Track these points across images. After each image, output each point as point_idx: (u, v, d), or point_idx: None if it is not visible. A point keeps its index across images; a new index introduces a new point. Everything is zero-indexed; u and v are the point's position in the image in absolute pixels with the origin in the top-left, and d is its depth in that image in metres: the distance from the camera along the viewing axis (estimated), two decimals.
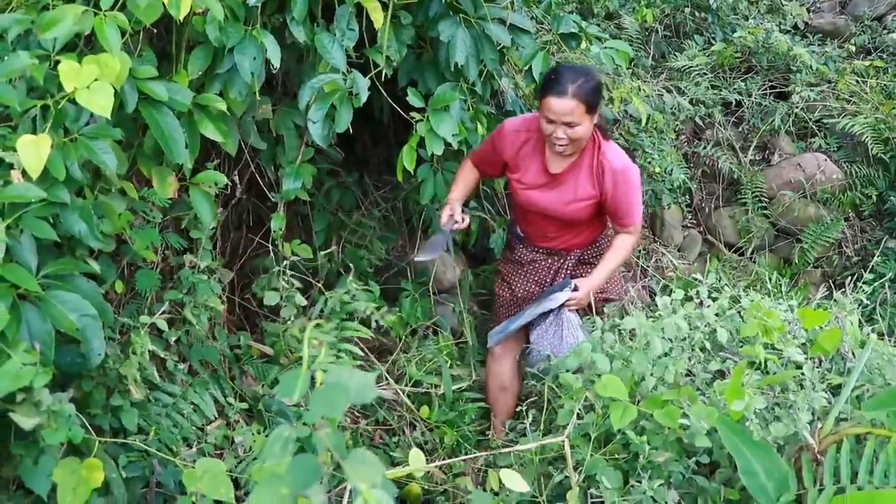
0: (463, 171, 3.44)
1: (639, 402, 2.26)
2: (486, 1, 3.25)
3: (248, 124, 3.04)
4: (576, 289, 3.22)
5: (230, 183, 3.00)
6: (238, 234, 3.79)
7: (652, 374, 2.27)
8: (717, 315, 2.54)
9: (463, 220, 3.25)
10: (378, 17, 2.88)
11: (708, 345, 2.44)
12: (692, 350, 2.38)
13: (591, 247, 3.43)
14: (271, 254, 3.39)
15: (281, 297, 3.19)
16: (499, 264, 3.72)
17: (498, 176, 3.55)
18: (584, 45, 3.84)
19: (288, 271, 3.23)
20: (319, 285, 3.63)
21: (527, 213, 3.35)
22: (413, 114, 3.09)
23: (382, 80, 3.05)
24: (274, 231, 3.23)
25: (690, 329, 2.33)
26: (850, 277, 4.40)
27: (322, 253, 3.74)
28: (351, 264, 3.69)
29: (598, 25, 5.89)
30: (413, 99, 3.06)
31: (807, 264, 5.21)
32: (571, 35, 3.79)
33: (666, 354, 2.34)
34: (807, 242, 5.21)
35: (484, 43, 3.24)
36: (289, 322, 3.28)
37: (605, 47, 3.79)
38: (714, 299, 2.65)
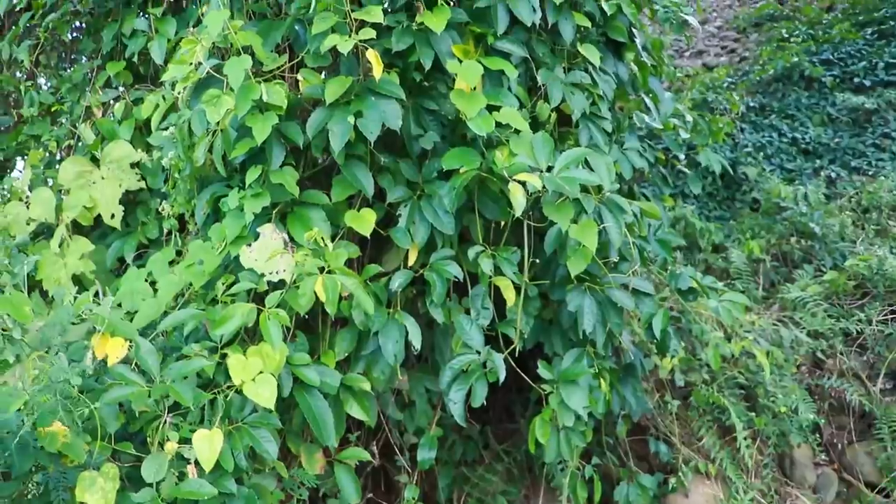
0: None
1: None
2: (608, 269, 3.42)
3: (386, 397, 3.20)
4: None
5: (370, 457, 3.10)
6: (364, 492, 3.83)
7: None
8: None
9: None
10: (511, 296, 3.06)
11: None
12: None
13: None
14: None
15: None
16: None
17: None
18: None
19: None
20: None
21: None
22: (543, 386, 3.16)
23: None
24: (407, 500, 3.27)
25: None
26: None
27: None
28: None
29: (706, 260, 6.04)
30: (543, 371, 3.16)
31: None
32: (689, 290, 3.89)
33: None
34: None
35: (609, 309, 3.35)
36: None
37: (723, 300, 3.87)
38: None
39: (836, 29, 9.13)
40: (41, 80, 5.07)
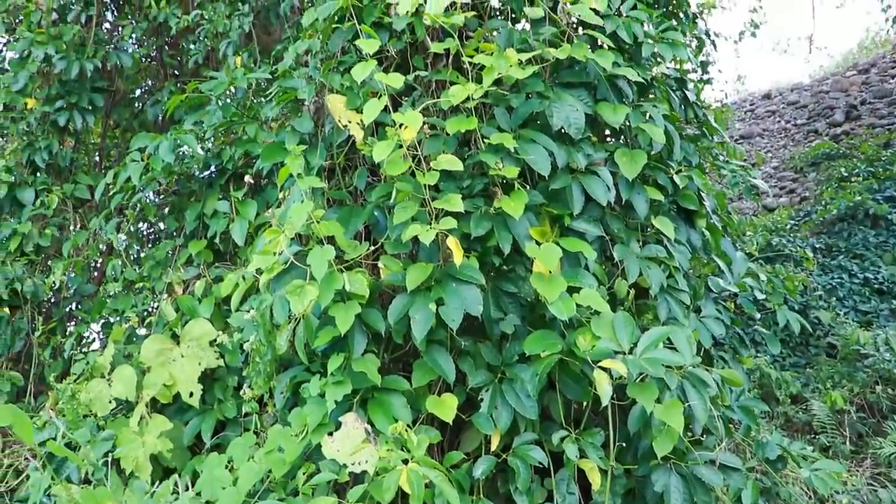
0: None
1: None
2: (693, 444, 3.30)
3: None
4: None
5: None
6: None
7: None
8: None
9: None
10: (596, 479, 2.96)
11: None
12: None
13: None
14: None
15: None
16: None
17: None
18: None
19: None
20: None
21: None
22: None
23: None
24: None
25: None
26: None
27: None
28: None
29: (786, 413, 5.81)
30: None
31: None
32: (778, 458, 3.73)
33: None
34: None
35: (696, 486, 3.21)
36: None
37: (815, 468, 3.68)
38: None
39: None
40: (121, 237, 5.29)
